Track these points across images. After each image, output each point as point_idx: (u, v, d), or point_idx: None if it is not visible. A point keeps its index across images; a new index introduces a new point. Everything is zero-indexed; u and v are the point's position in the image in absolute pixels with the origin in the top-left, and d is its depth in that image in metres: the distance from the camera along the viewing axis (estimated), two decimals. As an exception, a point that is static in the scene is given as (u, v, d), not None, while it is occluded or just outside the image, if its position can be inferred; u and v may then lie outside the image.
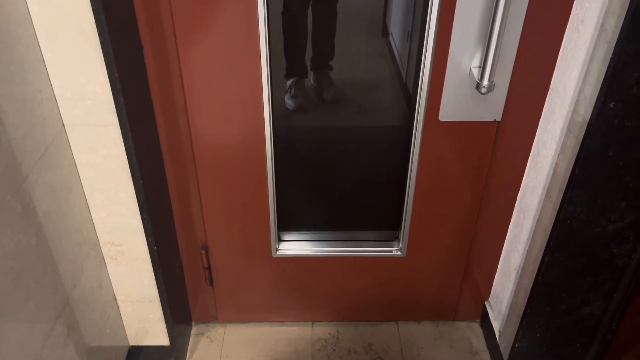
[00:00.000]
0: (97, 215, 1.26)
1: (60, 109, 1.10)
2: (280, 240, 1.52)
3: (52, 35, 1.01)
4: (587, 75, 1.05)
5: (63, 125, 1.12)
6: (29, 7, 0.97)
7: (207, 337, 1.67)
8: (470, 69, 1.16)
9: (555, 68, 1.18)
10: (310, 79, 1.37)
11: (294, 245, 1.53)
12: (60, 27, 0.99)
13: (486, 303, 1.64)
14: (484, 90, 1.11)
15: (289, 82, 1.36)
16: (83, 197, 1.22)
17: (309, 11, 1.28)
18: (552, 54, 1.16)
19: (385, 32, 1.34)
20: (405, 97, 1.34)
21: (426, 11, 1.10)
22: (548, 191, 1.22)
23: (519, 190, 1.39)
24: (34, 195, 1.01)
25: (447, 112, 1.24)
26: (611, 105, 1.00)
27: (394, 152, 1.41)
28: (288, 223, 1.51)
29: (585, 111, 1.05)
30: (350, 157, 1.48)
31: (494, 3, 1.01)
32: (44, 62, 1.03)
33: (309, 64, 1.34)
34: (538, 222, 1.28)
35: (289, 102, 1.37)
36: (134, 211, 1.25)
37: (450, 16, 1.10)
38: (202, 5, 1.10)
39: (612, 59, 0.96)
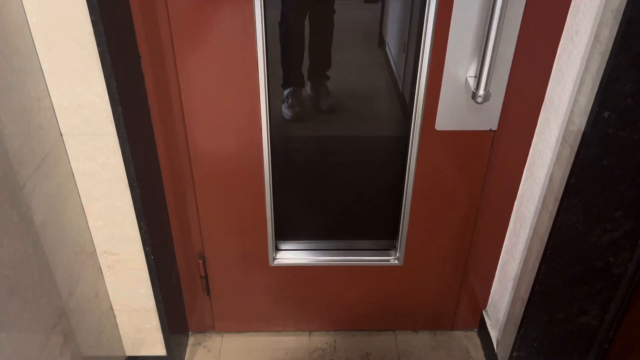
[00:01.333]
0: (94, 224, 1.26)
1: (58, 118, 1.10)
2: (277, 249, 1.52)
3: (51, 45, 1.01)
4: (581, 85, 1.06)
5: (61, 134, 1.12)
6: (27, 17, 0.98)
7: (204, 347, 1.66)
8: (466, 78, 1.17)
9: (550, 78, 1.19)
10: (307, 89, 1.38)
11: (291, 255, 1.53)
12: (58, 37, 1.00)
13: (484, 312, 1.64)
14: (480, 99, 1.12)
15: (286, 92, 1.37)
16: (80, 206, 1.22)
17: (306, 22, 1.29)
18: (547, 64, 1.17)
19: (381, 43, 1.34)
20: (401, 106, 1.35)
21: (422, 22, 1.11)
22: (544, 200, 1.23)
23: (515, 199, 1.39)
24: (31, 204, 1.01)
25: (444, 121, 1.24)
26: (606, 115, 1.01)
27: (390, 161, 1.42)
28: (285, 232, 1.51)
29: (580, 121, 1.06)
30: (347, 167, 1.48)
31: (489, 14, 1.02)
32: (42, 71, 1.04)
33: (305, 74, 1.35)
34: (534, 231, 1.28)
35: (286, 112, 1.38)
36: (131, 220, 1.25)
37: (446, 27, 1.11)
38: (200, 15, 1.11)
39: (606, 69, 0.97)
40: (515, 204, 1.40)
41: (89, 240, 1.27)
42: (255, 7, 1.08)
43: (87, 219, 1.25)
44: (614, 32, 0.94)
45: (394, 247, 1.52)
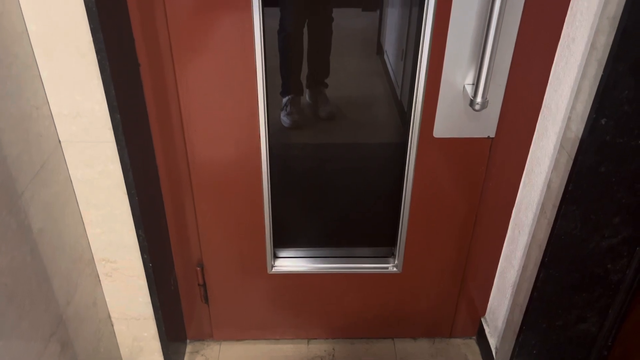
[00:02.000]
0: (92, 232, 1.26)
1: (56, 126, 1.10)
2: (275, 257, 1.52)
3: (50, 53, 1.01)
4: (578, 92, 1.06)
5: (59, 142, 1.12)
6: (27, 25, 0.98)
7: (202, 355, 1.66)
8: (464, 86, 1.18)
9: (548, 85, 1.19)
10: (306, 97, 1.38)
11: (290, 262, 1.53)
12: (57, 44, 1.00)
13: (482, 319, 1.64)
14: (477, 107, 1.12)
15: (284, 100, 1.37)
16: (78, 213, 1.22)
17: (305, 30, 1.30)
18: (544, 72, 1.18)
19: (380, 51, 1.35)
20: (400, 114, 1.35)
21: (420, 30, 1.12)
22: (542, 207, 1.23)
23: (513, 206, 1.39)
24: (29, 211, 1.01)
25: (442, 128, 1.25)
26: (603, 122, 1.01)
27: (389, 168, 1.42)
28: (284, 239, 1.51)
29: (578, 128, 1.06)
30: (346, 174, 1.48)
31: (487, 22, 1.03)
32: (41, 79, 1.04)
33: (304, 82, 1.36)
34: (533, 238, 1.28)
35: (285, 120, 1.38)
36: (129, 228, 1.24)
37: (443, 34, 1.12)
38: (199, 24, 1.12)
39: (602, 76, 0.98)
40: (513, 211, 1.40)
41: (86, 248, 1.27)
42: (254, 15, 1.09)
43: (85, 226, 1.25)
44: (610, 39, 0.95)
45: (393, 255, 1.52)
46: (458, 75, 1.17)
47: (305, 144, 1.45)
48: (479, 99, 1.11)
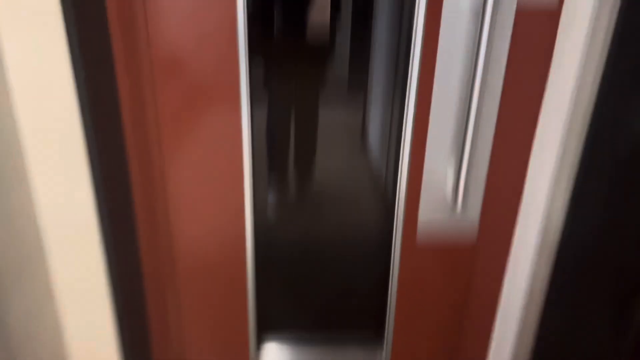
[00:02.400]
0: (69, 341, 1.22)
1: (40, 226, 1.09)
2: (259, 347, 1.49)
3: (39, 151, 1.01)
4: (553, 200, 1.09)
5: (42, 244, 1.10)
6: (20, 138, 1.00)
7: None
8: (445, 190, 1.21)
9: (524, 193, 1.22)
10: (292, 190, 1.40)
11: (274, 356, 1.50)
12: (47, 142, 1.01)
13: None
14: (458, 211, 1.15)
15: (270, 192, 1.39)
16: (56, 321, 1.19)
17: (291, 124, 1.34)
18: (519, 180, 1.21)
19: (365, 144, 1.39)
20: (385, 208, 1.37)
21: (400, 131, 1.17)
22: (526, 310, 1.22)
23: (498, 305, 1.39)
24: (8, 320, 0.99)
25: (424, 234, 1.28)
26: (579, 230, 1.03)
27: (374, 262, 1.42)
28: (268, 332, 1.48)
29: (555, 233, 1.08)
30: (332, 266, 1.48)
31: (464, 131, 1.07)
32: (28, 177, 1.04)
33: (291, 175, 1.38)
34: (519, 340, 1.26)
35: (271, 212, 1.40)
36: (109, 332, 1.21)
37: (423, 136, 1.16)
38: (188, 115, 1.15)
39: (577, 180, 1.01)
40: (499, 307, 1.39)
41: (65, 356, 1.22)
42: (243, 110, 1.14)
43: (61, 334, 1.21)
44: (580, 146, 0.99)
45: (381, 346, 1.49)
46: (440, 178, 1.20)
47: (291, 238, 1.46)
48: (459, 203, 1.14)
